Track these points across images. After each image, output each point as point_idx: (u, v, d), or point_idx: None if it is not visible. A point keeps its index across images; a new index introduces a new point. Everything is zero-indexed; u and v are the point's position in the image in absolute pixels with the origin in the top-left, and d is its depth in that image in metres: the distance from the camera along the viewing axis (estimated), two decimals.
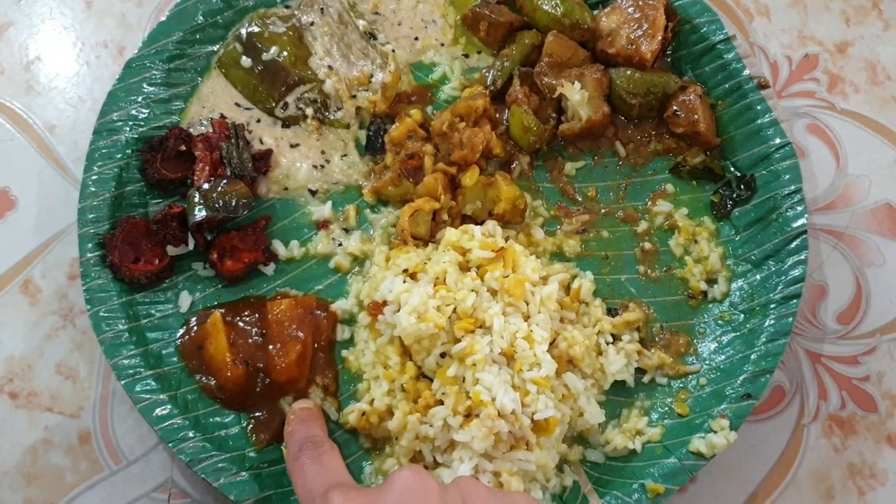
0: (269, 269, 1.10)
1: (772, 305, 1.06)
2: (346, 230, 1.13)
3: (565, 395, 1.01)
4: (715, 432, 1.01)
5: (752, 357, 1.04)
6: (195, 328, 1.06)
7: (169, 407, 1.00)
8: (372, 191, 1.14)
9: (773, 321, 1.05)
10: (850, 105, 1.23)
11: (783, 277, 1.07)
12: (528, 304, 1.01)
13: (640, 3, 1.17)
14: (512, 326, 0.98)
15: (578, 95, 1.14)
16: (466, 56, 1.23)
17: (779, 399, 1.09)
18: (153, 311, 1.06)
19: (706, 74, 1.17)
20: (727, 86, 1.16)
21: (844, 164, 1.20)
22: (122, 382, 1.00)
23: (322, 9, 1.19)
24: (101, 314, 1.03)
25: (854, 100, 1.23)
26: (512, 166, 1.16)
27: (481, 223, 1.10)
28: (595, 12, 1.20)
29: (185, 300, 1.08)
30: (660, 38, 1.15)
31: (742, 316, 1.08)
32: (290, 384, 1.04)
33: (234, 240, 1.08)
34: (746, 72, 1.15)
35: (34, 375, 1.07)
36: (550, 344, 1.00)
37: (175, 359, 1.05)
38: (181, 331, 1.06)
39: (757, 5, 1.28)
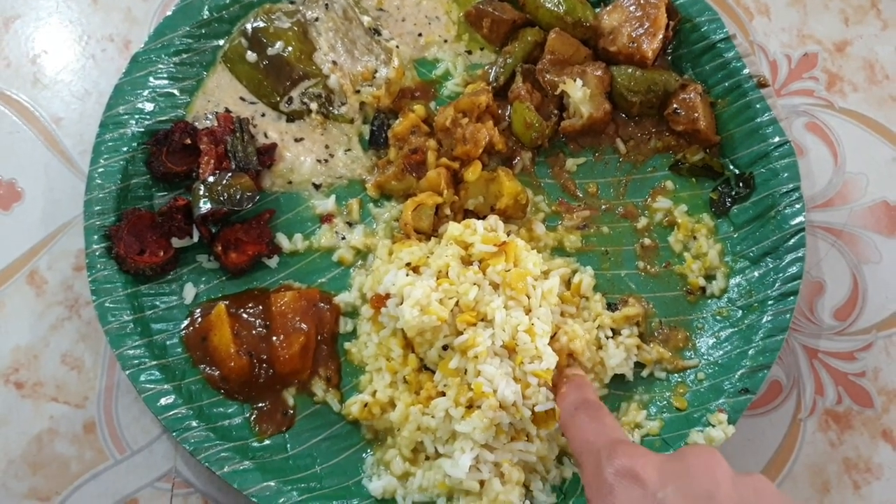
0: (273, 262, 1.11)
1: (769, 302, 1.07)
2: (350, 224, 1.14)
3: None
4: (713, 426, 1.02)
5: (750, 352, 1.06)
6: (199, 319, 1.08)
7: (173, 397, 1.01)
8: (375, 185, 1.15)
9: (770, 317, 1.07)
10: (849, 104, 1.24)
11: (781, 274, 1.08)
12: (529, 298, 1.02)
13: (642, 1, 1.18)
14: (513, 320, 0.99)
15: (580, 93, 1.15)
16: (469, 52, 1.24)
17: (776, 394, 1.11)
18: (158, 303, 1.07)
19: (706, 73, 1.19)
20: (727, 84, 1.17)
21: (842, 162, 1.21)
22: (127, 372, 1.01)
23: (327, 4, 1.20)
24: (107, 305, 1.04)
25: (852, 98, 1.25)
26: (514, 162, 1.17)
27: (483, 218, 1.11)
28: (597, 10, 1.21)
29: (190, 292, 1.09)
30: (661, 36, 1.16)
31: (740, 312, 1.09)
32: (293, 375, 1.05)
33: (238, 232, 1.09)
34: (746, 71, 1.16)
35: (40, 365, 1.08)
36: (551, 337, 1.01)
37: (179, 350, 1.06)
38: (185, 322, 1.07)
39: (757, 4, 1.30)
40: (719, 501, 0.69)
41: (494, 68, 1.20)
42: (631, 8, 1.18)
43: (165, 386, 1.02)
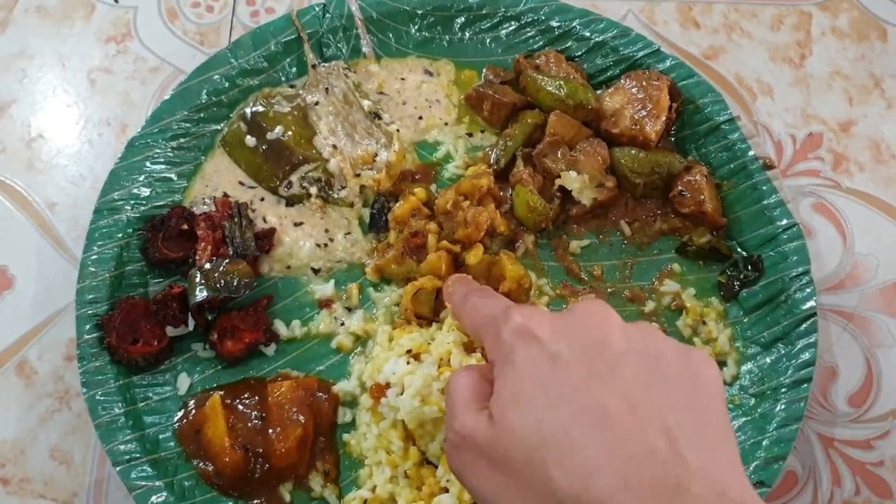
0: (270, 350, 1.08)
1: (783, 389, 1.04)
2: (349, 309, 1.11)
3: None
4: None
5: (764, 443, 1.02)
6: (193, 411, 1.04)
7: (165, 494, 0.97)
8: (375, 269, 1.13)
9: (784, 406, 1.03)
10: (856, 184, 1.23)
11: (793, 361, 1.05)
12: None
13: (644, 83, 1.17)
14: None
15: (577, 183, 1.13)
16: (470, 135, 1.23)
17: (791, 485, 1.07)
18: (151, 394, 1.04)
19: (711, 154, 1.17)
20: (732, 166, 1.15)
21: (851, 244, 1.19)
22: (118, 469, 0.97)
23: (327, 88, 1.19)
24: (98, 398, 1.00)
25: (859, 178, 1.23)
26: (516, 245, 1.15)
27: None
28: (598, 92, 1.20)
29: (184, 382, 1.05)
30: (664, 118, 1.15)
31: (752, 400, 1.06)
32: (290, 470, 1.01)
33: (234, 320, 1.06)
34: (751, 152, 1.14)
35: (27, 460, 1.04)
36: None
37: (172, 443, 1.02)
38: (179, 414, 1.04)
39: (760, 84, 1.29)
40: (609, 347, 0.71)
41: (495, 151, 1.18)
42: (633, 90, 1.17)
43: (157, 483, 0.97)
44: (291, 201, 1.15)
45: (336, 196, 1.15)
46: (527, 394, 0.70)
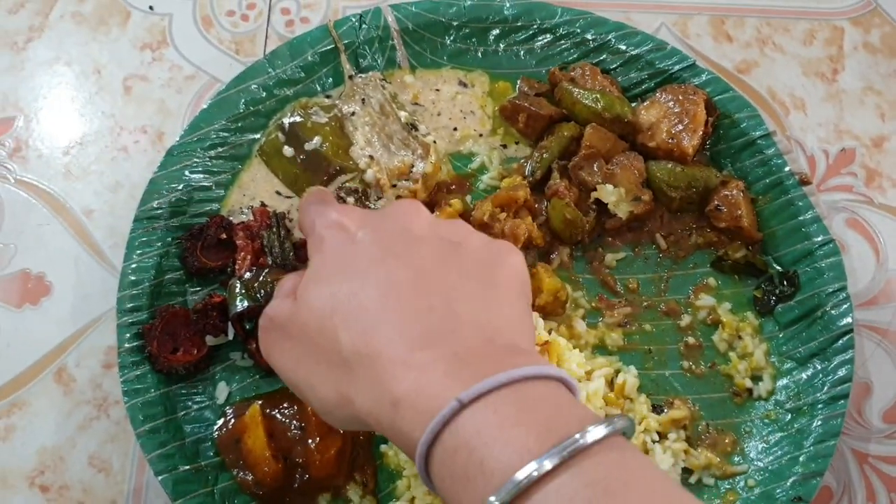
0: None
1: (819, 405, 1.04)
2: None
3: None
4: None
5: (801, 459, 1.02)
6: (232, 420, 1.04)
7: (206, 502, 0.98)
8: None
9: (820, 422, 1.03)
10: (888, 199, 1.23)
11: (830, 377, 1.05)
12: None
13: (680, 97, 1.18)
14: None
15: (614, 196, 1.14)
16: (505, 146, 1.23)
17: (826, 501, 1.07)
18: (190, 403, 1.04)
19: (746, 169, 1.18)
20: (768, 181, 1.16)
21: (884, 259, 1.19)
22: (160, 478, 0.97)
23: (363, 99, 1.20)
24: (138, 406, 1.00)
25: (892, 194, 1.24)
26: (551, 257, 1.16)
27: None
28: (633, 105, 1.20)
29: (223, 391, 1.06)
30: (700, 132, 1.15)
31: (789, 415, 1.06)
32: (329, 480, 1.02)
33: None
34: (787, 168, 1.15)
35: (66, 468, 1.04)
36: None
37: (212, 452, 1.02)
38: (218, 423, 1.04)
39: (793, 99, 1.30)
40: (412, 232, 0.77)
41: (531, 163, 1.19)
42: (669, 104, 1.18)
43: (199, 491, 0.98)
44: None
45: (373, 206, 1.15)
46: (327, 273, 0.76)
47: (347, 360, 0.70)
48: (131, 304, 1.05)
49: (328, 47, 1.23)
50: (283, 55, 1.22)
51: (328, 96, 1.22)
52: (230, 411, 1.05)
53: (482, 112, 1.25)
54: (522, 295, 0.78)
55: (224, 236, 1.10)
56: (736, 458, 1.05)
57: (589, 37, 1.25)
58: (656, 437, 1.04)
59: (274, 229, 1.10)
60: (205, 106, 1.18)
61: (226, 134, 1.17)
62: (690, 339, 1.12)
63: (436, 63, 1.27)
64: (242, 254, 1.08)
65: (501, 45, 1.27)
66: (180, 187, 1.13)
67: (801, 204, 1.13)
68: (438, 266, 0.74)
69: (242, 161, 1.18)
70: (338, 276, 0.74)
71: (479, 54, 1.27)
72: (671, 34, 1.34)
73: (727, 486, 1.04)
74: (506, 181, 1.18)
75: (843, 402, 1.04)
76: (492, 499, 0.58)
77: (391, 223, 0.79)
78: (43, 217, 1.18)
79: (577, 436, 0.59)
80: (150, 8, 1.33)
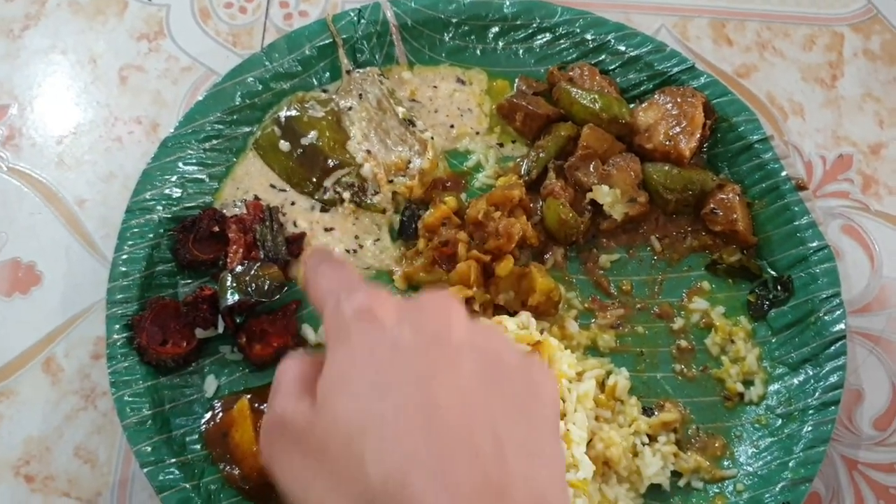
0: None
1: (810, 411, 1.04)
2: None
3: (601, 501, 0.98)
4: None
5: (791, 464, 1.02)
6: (220, 414, 1.04)
7: (192, 496, 0.97)
8: (403, 276, 1.13)
9: (811, 427, 1.03)
10: (884, 206, 1.23)
11: (821, 383, 1.05)
12: (564, 402, 0.99)
13: (679, 99, 1.17)
14: None
15: (609, 197, 1.13)
16: (501, 145, 1.22)
17: None
18: (178, 396, 1.04)
19: (743, 173, 1.17)
20: (764, 185, 1.15)
21: (879, 267, 1.19)
22: (145, 470, 0.97)
23: (361, 94, 1.19)
24: (126, 398, 1.00)
25: (888, 201, 1.23)
26: (545, 256, 1.15)
27: (514, 314, 1.08)
28: (631, 106, 1.20)
29: (211, 385, 1.05)
30: (698, 135, 1.15)
31: (779, 420, 1.06)
32: None
33: (263, 324, 1.06)
34: (784, 173, 1.14)
35: (52, 458, 1.04)
36: (587, 444, 0.98)
37: (198, 446, 1.02)
38: (206, 416, 1.04)
39: (791, 104, 1.29)
40: (451, 339, 0.66)
41: (527, 162, 1.18)
42: (667, 106, 1.17)
43: (184, 485, 0.97)
44: (326, 207, 1.14)
45: (369, 201, 1.15)
46: (356, 377, 0.64)
47: (373, 495, 0.59)
48: (121, 296, 1.05)
49: (326, 41, 1.23)
50: (281, 48, 1.21)
51: (325, 91, 1.22)
52: (218, 405, 1.04)
53: (479, 110, 1.24)
54: (557, 428, 0.71)
55: (216, 229, 1.09)
56: (725, 463, 1.05)
57: (588, 37, 1.25)
58: (646, 440, 1.04)
59: (267, 223, 1.10)
60: (200, 98, 1.17)
61: (221, 126, 1.16)
62: (683, 342, 1.11)
63: (434, 60, 1.27)
64: (234, 247, 1.07)
65: (500, 44, 1.27)
66: (174, 179, 1.12)
67: (796, 209, 1.13)
68: (482, 390, 0.66)
69: (237, 154, 1.17)
70: (369, 387, 0.63)
71: (478, 52, 1.27)
72: (671, 36, 1.34)
73: (716, 490, 1.03)
74: (501, 180, 1.18)
75: (833, 408, 1.03)
76: None
77: (430, 322, 0.68)
78: (35, 206, 1.17)
79: None
80: None
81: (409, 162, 1.16)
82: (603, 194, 1.13)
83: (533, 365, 0.71)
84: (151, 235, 1.08)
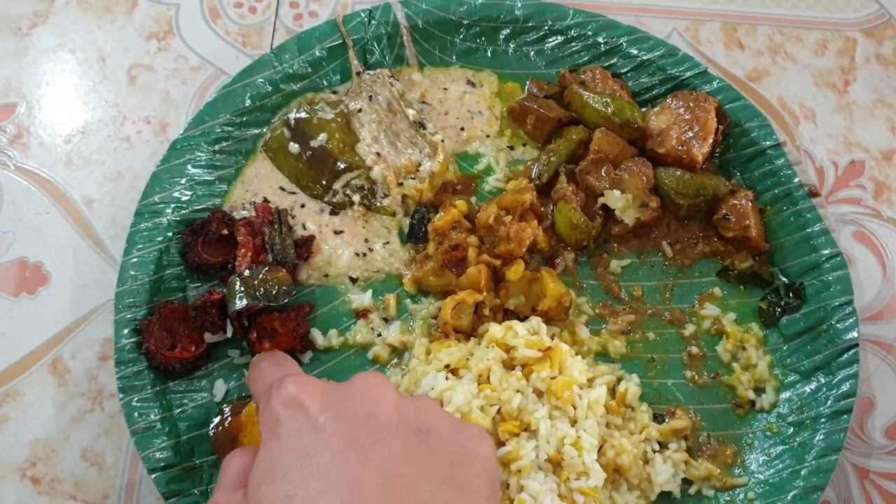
0: (306, 358, 1.07)
1: (822, 419, 1.03)
2: (386, 320, 1.10)
3: None
4: None
5: (803, 473, 1.01)
6: (229, 419, 1.03)
7: (200, 502, 0.96)
8: (413, 280, 1.12)
9: (823, 436, 1.02)
10: None
11: (833, 391, 1.04)
12: (575, 409, 0.98)
13: (691, 104, 1.16)
14: (559, 431, 0.95)
15: (621, 202, 1.13)
16: (512, 148, 1.22)
17: None
18: (186, 401, 1.03)
19: (755, 178, 1.16)
20: (777, 192, 1.15)
21: (891, 274, 1.18)
22: (153, 476, 0.96)
23: (371, 96, 1.18)
24: (134, 403, 0.99)
25: None
26: (556, 261, 1.14)
27: (524, 318, 1.08)
28: (643, 110, 1.19)
29: (220, 389, 1.04)
30: (711, 140, 1.14)
31: (791, 429, 1.05)
32: None
33: (274, 321, 1.05)
34: (797, 179, 1.14)
35: (59, 460, 1.03)
36: (597, 451, 0.97)
37: (207, 451, 1.01)
38: (215, 421, 1.03)
39: (803, 109, 1.28)
40: (379, 421, 0.70)
41: (537, 165, 1.17)
42: (680, 110, 1.16)
43: (193, 491, 0.97)
44: (336, 209, 1.14)
45: (378, 204, 1.14)
46: (283, 467, 0.68)
47: None
48: (130, 300, 1.04)
49: (336, 42, 1.22)
50: (291, 49, 1.20)
51: (335, 92, 1.21)
52: (227, 409, 1.04)
53: (490, 113, 1.23)
54: (491, 494, 0.72)
55: (225, 232, 1.08)
56: (737, 471, 1.04)
57: (600, 40, 1.24)
58: (657, 447, 1.03)
59: (276, 226, 1.09)
60: (210, 99, 1.16)
61: (230, 128, 1.15)
62: (694, 349, 1.10)
63: (444, 61, 1.26)
64: (243, 250, 1.06)
65: (511, 46, 1.26)
66: (183, 181, 1.11)
67: (809, 216, 1.12)
68: (407, 466, 0.68)
69: (246, 156, 1.16)
70: (295, 474, 0.67)
71: (489, 54, 1.26)
72: (683, 40, 1.33)
73: (727, 499, 1.03)
74: (512, 183, 1.17)
75: (846, 416, 1.03)
76: None
77: (356, 405, 0.72)
78: (43, 205, 1.16)
79: None
80: None
81: (420, 165, 1.16)
82: (614, 199, 1.13)
83: (466, 434, 0.74)
84: (160, 239, 1.07)
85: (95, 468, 1.03)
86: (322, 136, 1.15)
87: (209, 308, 1.03)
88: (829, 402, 1.04)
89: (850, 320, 1.07)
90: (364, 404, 0.72)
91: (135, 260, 1.05)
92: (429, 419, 0.73)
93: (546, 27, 1.25)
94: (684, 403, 1.08)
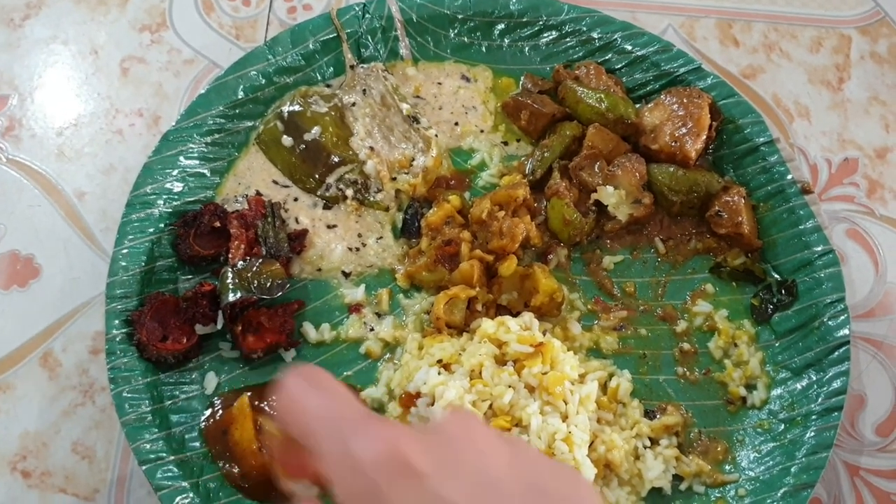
0: (289, 356, 1.06)
1: (813, 416, 1.04)
2: (379, 315, 1.10)
3: None
4: None
5: (793, 469, 1.01)
6: (220, 412, 1.03)
7: (190, 495, 0.96)
8: (406, 275, 1.12)
9: (813, 433, 1.03)
10: (889, 211, 1.22)
11: (824, 388, 1.04)
12: (566, 404, 0.98)
13: (685, 100, 1.16)
14: (550, 427, 0.95)
15: (614, 198, 1.13)
16: (505, 143, 1.22)
17: None
18: (177, 393, 1.03)
19: (748, 175, 1.17)
20: (770, 188, 1.15)
21: (883, 272, 1.18)
22: (144, 468, 0.96)
23: (365, 90, 1.18)
24: (125, 395, 0.99)
25: (893, 206, 1.23)
26: (549, 257, 1.14)
27: (516, 314, 1.08)
28: (637, 106, 1.19)
29: (211, 382, 1.04)
30: (704, 137, 1.14)
31: (782, 425, 1.05)
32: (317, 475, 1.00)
33: (261, 316, 1.05)
34: (790, 176, 1.14)
35: (49, 454, 1.03)
36: (588, 446, 0.97)
37: (198, 443, 1.01)
38: (206, 414, 1.03)
39: (797, 106, 1.28)
40: (498, 485, 0.60)
41: (531, 161, 1.17)
42: (674, 106, 1.16)
43: (183, 483, 0.96)
44: (329, 203, 1.13)
45: (372, 199, 1.14)
46: None
47: None
48: (121, 291, 1.04)
49: (330, 36, 1.22)
50: (285, 42, 1.20)
51: (328, 85, 1.21)
52: (218, 402, 1.03)
53: (484, 108, 1.23)
54: None
55: (218, 224, 1.08)
56: (727, 467, 1.04)
57: (595, 35, 1.24)
58: (648, 443, 1.03)
59: (269, 219, 1.09)
60: (202, 91, 1.16)
61: (223, 120, 1.15)
62: (686, 345, 1.10)
63: (439, 56, 1.25)
64: (236, 242, 1.06)
65: (506, 41, 1.26)
66: (175, 173, 1.11)
67: (802, 213, 1.12)
68: None
69: (239, 149, 1.16)
70: None
71: (483, 49, 1.26)
72: (677, 36, 1.33)
73: (717, 495, 1.03)
74: (505, 179, 1.17)
75: (836, 413, 1.03)
76: None
77: (467, 463, 0.60)
78: (34, 198, 1.16)
79: None
80: None
81: (413, 159, 1.16)
82: (607, 195, 1.13)
83: (579, 484, 0.67)
84: (152, 230, 1.07)
85: (86, 462, 1.03)
86: (315, 130, 1.15)
87: (200, 300, 1.03)
88: (820, 399, 1.04)
89: (842, 317, 1.07)
90: (475, 460, 0.61)
91: (126, 251, 1.05)
92: (543, 474, 0.63)
93: (541, 22, 1.25)
94: (675, 400, 1.08)
